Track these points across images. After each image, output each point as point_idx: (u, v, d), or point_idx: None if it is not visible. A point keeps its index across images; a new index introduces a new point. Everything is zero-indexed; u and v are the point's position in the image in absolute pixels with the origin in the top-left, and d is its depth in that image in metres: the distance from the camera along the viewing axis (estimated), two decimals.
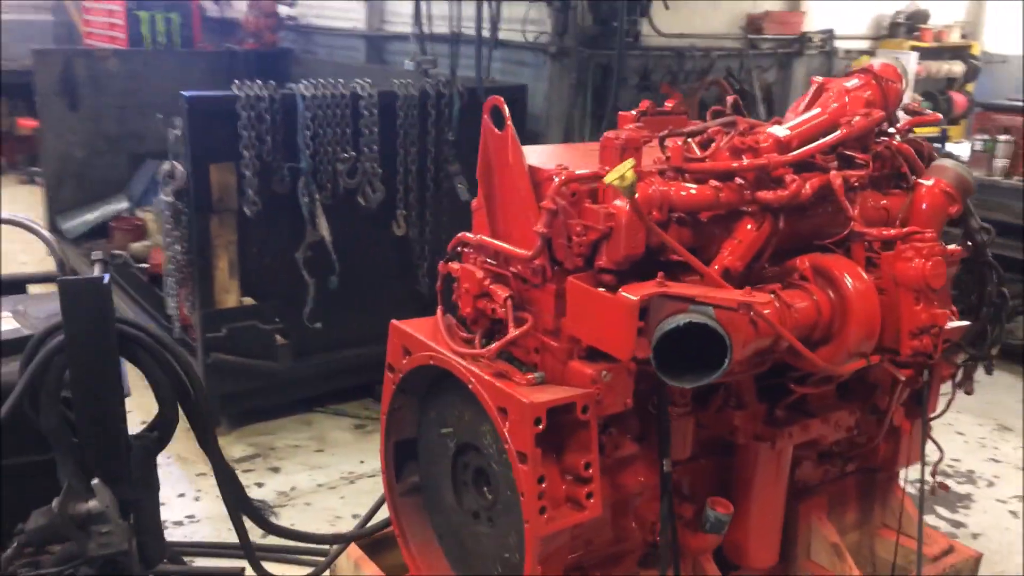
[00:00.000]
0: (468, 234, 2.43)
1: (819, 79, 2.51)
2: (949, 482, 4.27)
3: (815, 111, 2.36)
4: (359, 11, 6.56)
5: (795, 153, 2.19)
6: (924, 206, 2.28)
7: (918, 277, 2.14)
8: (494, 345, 2.20)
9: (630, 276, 2.08)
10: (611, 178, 1.78)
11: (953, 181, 2.25)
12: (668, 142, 2.17)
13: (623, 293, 1.97)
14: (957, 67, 6.86)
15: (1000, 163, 5.69)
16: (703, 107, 5.41)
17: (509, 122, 2.20)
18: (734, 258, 2.16)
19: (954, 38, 6.94)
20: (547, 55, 4.88)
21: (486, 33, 4.79)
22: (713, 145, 2.21)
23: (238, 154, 4.08)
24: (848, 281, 2.17)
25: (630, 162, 1.82)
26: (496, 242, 2.28)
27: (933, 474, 2.84)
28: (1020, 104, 5.79)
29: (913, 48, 6.51)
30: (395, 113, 4.45)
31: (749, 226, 2.19)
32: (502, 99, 2.24)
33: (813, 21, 6.02)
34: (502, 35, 4.91)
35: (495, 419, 2.13)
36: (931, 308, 2.17)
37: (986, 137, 5.76)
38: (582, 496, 2.12)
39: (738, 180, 2.18)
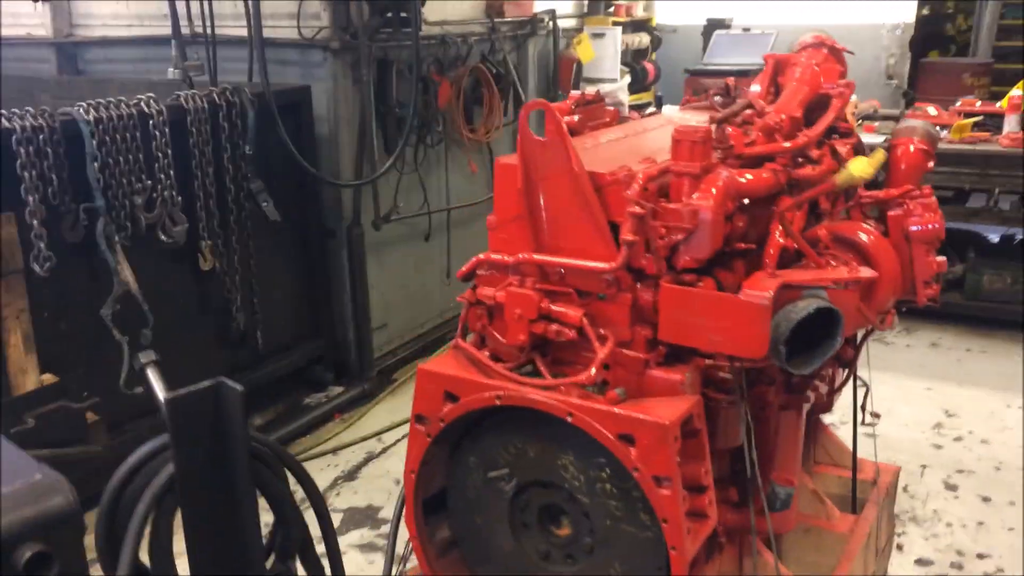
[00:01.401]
0: (492, 255, 2.19)
1: (768, 54, 2.61)
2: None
3: (797, 86, 2.45)
4: (40, 15, 5.54)
5: (818, 129, 2.26)
6: (903, 166, 2.47)
7: (929, 230, 2.33)
8: (591, 371, 2.02)
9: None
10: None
11: (926, 138, 2.47)
12: (725, 128, 2.12)
13: (751, 291, 1.90)
14: (645, 39, 7.50)
15: None
16: (464, 92, 5.38)
17: (564, 127, 2.00)
18: (795, 237, 2.18)
19: (639, 13, 7.59)
20: (328, 51, 4.50)
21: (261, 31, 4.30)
22: (753, 128, 2.20)
23: (19, 201, 3.27)
24: (872, 243, 2.30)
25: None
26: (558, 259, 2.08)
27: (863, 407, 3.13)
28: (726, 68, 6.49)
29: (615, 23, 7.02)
30: (187, 131, 3.84)
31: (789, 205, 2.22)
32: (547, 103, 2.03)
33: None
34: (266, 32, 4.44)
35: (614, 448, 1.96)
36: (936, 257, 2.37)
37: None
38: (704, 505, 2.04)
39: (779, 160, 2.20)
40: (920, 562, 3.54)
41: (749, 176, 2.11)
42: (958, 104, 6.35)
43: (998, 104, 6.32)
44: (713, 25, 7.29)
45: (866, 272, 2.01)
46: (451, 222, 5.62)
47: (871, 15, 7.19)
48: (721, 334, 1.95)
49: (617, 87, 6.81)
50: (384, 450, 4.42)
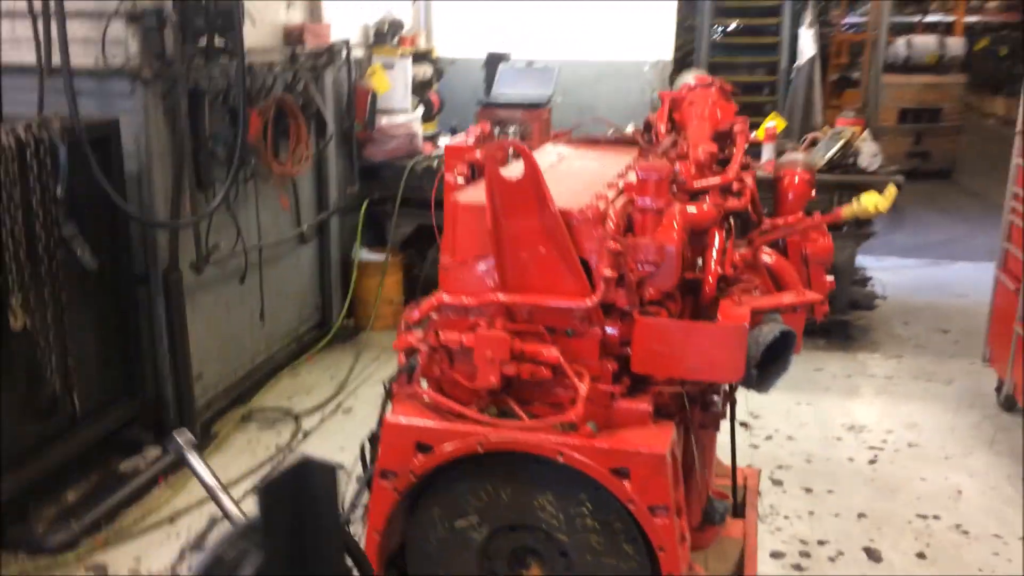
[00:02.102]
0: (450, 297, 2.13)
1: (663, 92, 2.76)
2: None
3: (700, 123, 2.61)
4: None
5: (737, 162, 2.42)
6: (790, 195, 2.70)
7: (824, 252, 2.57)
8: (578, 408, 2.01)
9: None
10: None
11: (808, 169, 2.71)
12: (680, 165, 2.21)
13: (728, 319, 2.00)
14: (429, 70, 7.56)
15: None
16: (270, 123, 5.15)
17: (538, 168, 2.00)
18: (726, 265, 2.31)
19: (421, 44, 7.63)
20: (138, 81, 4.12)
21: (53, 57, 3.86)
22: (686, 164, 2.31)
23: None
24: (780, 265, 2.49)
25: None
26: (533, 298, 2.06)
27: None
28: (517, 100, 6.70)
29: (403, 55, 7.02)
30: None
31: (718, 235, 2.36)
32: (519, 144, 2.01)
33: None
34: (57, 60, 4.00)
35: (608, 483, 1.97)
36: (828, 277, 2.62)
37: (498, 130, 6.55)
38: (685, 528, 2.10)
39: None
40: (775, 555, 3.85)
41: (694, 210, 2.22)
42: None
43: (753, 134, 7.06)
44: (495, 58, 7.51)
45: (812, 295, 2.19)
46: (263, 261, 5.34)
47: (634, 53, 7.76)
48: (699, 361, 2.03)
49: (411, 118, 6.82)
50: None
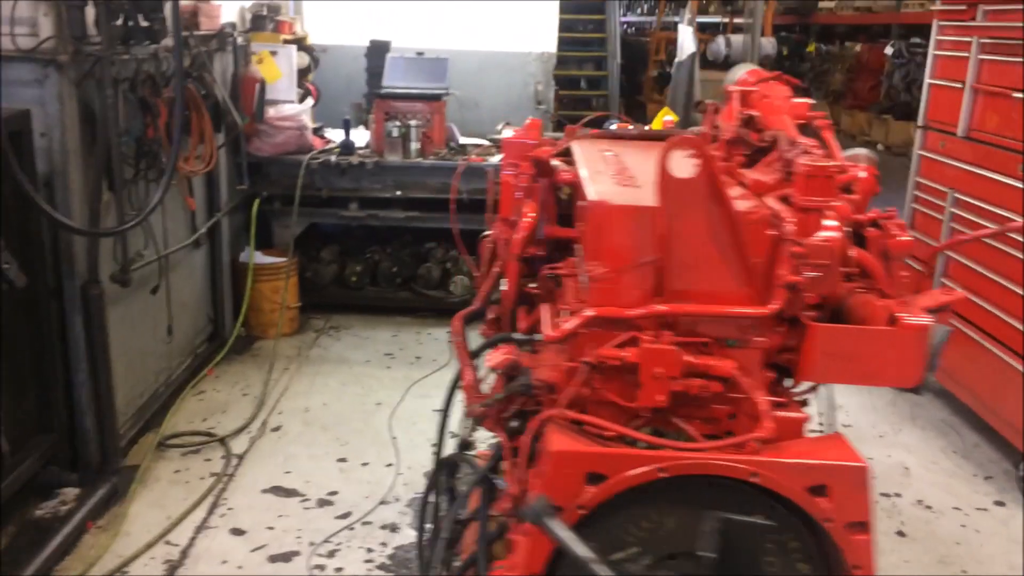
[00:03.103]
0: (607, 310, 1.93)
1: (730, 86, 2.66)
2: None
3: (780, 118, 2.52)
4: None
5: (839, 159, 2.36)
6: (858, 191, 2.67)
7: (907, 249, 2.56)
8: (767, 423, 1.87)
9: None
10: None
11: (872, 164, 2.69)
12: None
13: (910, 319, 1.92)
14: (305, 59, 7.07)
15: (415, 146, 6.26)
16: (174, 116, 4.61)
17: (713, 164, 1.83)
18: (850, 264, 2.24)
19: (298, 30, 7.12)
20: (52, 66, 3.52)
21: None
22: None
23: None
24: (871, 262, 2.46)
25: None
26: (708, 308, 1.89)
27: None
28: (417, 92, 6.41)
29: (286, 41, 6.51)
30: None
31: None
32: (699, 142, 1.84)
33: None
34: None
35: (803, 502, 1.85)
36: None
37: (398, 123, 6.24)
38: None
39: None
40: None
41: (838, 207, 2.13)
42: (614, 126, 7.04)
43: (647, 127, 7.14)
44: (379, 47, 7.14)
45: (957, 294, 2.16)
46: (168, 269, 4.78)
47: (518, 44, 7.64)
48: (877, 366, 1.94)
49: (300, 110, 6.36)
50: (185, 552, 3.61)
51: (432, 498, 2.80)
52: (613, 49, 13.37)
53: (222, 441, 4.55)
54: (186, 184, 5.04)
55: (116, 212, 3.91)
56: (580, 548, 1.60)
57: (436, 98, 6.45)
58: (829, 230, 1.96)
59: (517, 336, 2.51)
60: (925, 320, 1.92)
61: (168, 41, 4.45)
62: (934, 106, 5.27)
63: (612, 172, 2.31)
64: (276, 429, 4.75)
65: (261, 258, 6.08)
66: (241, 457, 4.44)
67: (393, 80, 6.62)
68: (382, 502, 4.05)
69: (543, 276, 2.47)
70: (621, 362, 1.90)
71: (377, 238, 6.83)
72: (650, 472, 1.85)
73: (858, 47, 19.15)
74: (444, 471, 2.69)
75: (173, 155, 3.89)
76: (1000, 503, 4.20)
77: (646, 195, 2.00)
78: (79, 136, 3.71)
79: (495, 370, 2.26)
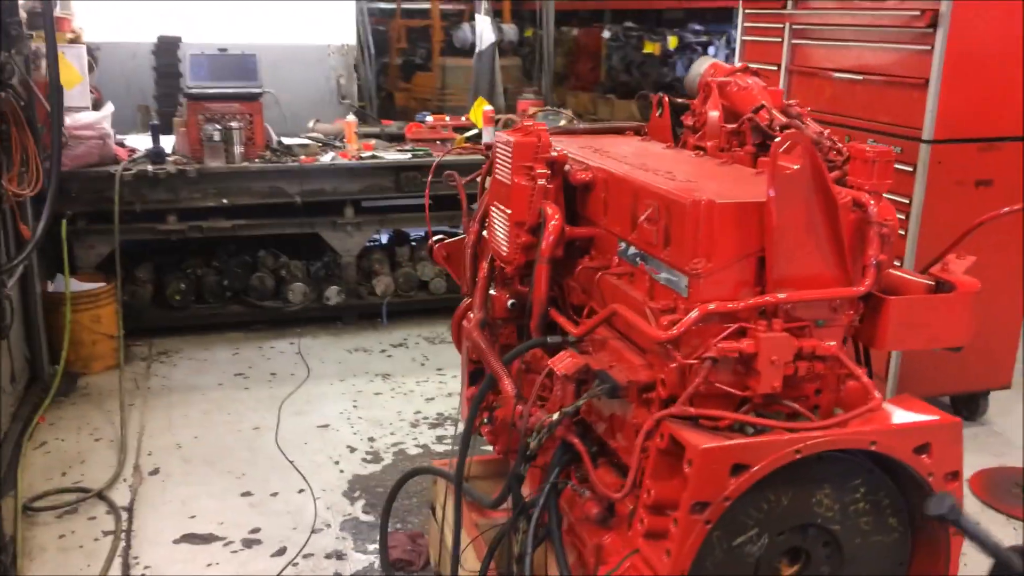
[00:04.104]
0: (716, 305, 1.97)
1: (709, 79, 2.78)
2: None
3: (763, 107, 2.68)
4: None
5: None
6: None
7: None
8: (873, 396, 2.01)
9: None
10: None
11: None
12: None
13: (967, 285, 2.14)
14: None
15: (239, 150, 5.85)
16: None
17: (816, 154, 1.94)
18: None
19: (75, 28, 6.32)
20: None
21: None
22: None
23: None
24: None
25: None
26: (807, 294, 1.99)
27: None
28: (233, 91, 5.97)
29: (73, 41, 5.76)
30: None
31: None
32: (804, 135, 1.92)
33: None
34: None
35: (912, 460, 2.02)
36: None
37: (219, 126, 5.80)
38: None
39: None
40: None
41: None
42: (429, 119, 7.00)
43: (464, 118, 7.18)
44: (168, 44, 6.53)
45: (972, 258, 2.42)
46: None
47: (316, 36, 7.33)
48: (940, 330, 2.15)
49: (100, 116, 5.71)
50: None
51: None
52: (365, 39, 13.21)
53: (100, 495, 4.04)
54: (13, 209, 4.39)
55: None
56: (993, 541, 1.65)
57: (253, 97, 6.06)
58: (891, 210, 2.13)
59: (551, 339, 2.49)
60: (973, 286, 2.15)
61: None
62: None
63: (657, 168, 2.35)
64: (155, 472, 4.30)
65: (76, 285, 5.42)
66: (130, 509, 3.97)
67: (199, 80, 6.12)
68: (314, 531, 3.82)
69: (582, 275, 2.46)
70: (739, 353, 1.96)
71: (197, 251, 6.32)
72: (788, 455, 1.93)
73: (575, 31, 20.32)
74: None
75: (54, 182, 3.37)
76: None
77: (730, 189, 2.07)
78: None
79: (566, 376, 2.23)
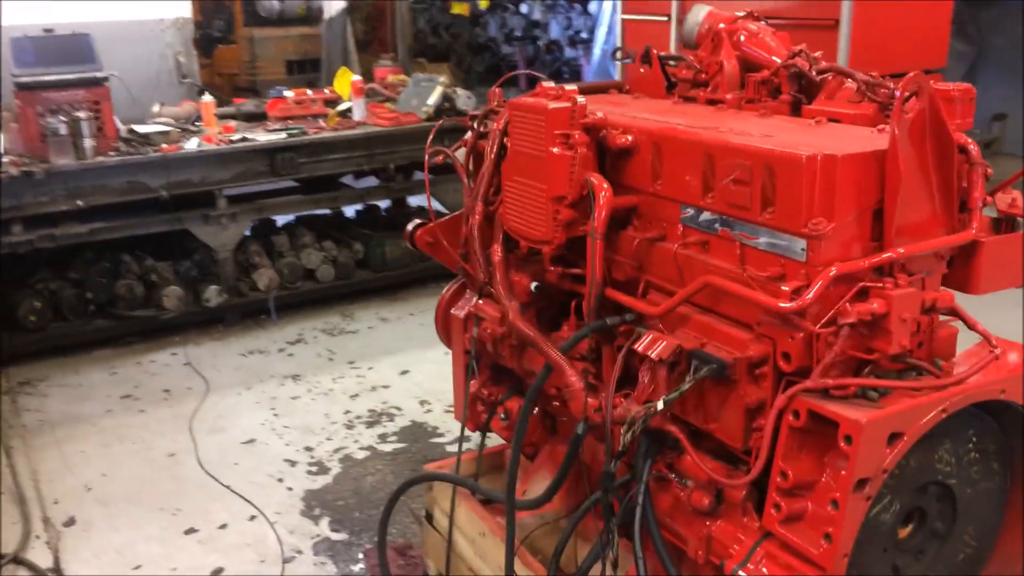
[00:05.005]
0: (845, 265, 1.84)
1: (717, 28, 2.61)
2: None
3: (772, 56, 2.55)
4: None
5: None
6: None
7: None
8: (995, 344, 1.95)
9: None
10: None
11: None
12: None
13: None
14: None
15: (89, 143, 5.15)
16: None
17: (936, 97, 1.83)
18: None
19: None
20: None
21: None
22: None
23: None
24: None
25: None
26: (927, 245, 1.90)
27: None
28: (74, 77, 5.23)
29: None
30: None
31: None
32: (926, 79, 1.80)
33: None
34: None
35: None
36: None
37: (63, 119, 5.08)
38: None
39: None
40: None
41: None
42: (289, 94, 6.48)
43: (327, 90, 6.70)
44: None
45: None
46: None
47: (147, 10, 6.56)
48: (1017, 269, 2.12)
49: None
50: None
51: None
52: None
53: (16, 560, 3.45)
54: None
55: None
56: None
57: (98, 83, 5.36)
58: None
59: (610, 320, 2.29)
60: None
61: None
62: (630, 41, 5.71)
63: (714, 125, 2.17)
64: (70, 523, 3.72)
65: None
66: (57, 570, 3.42)
67: (26, 67, 5.33)
68: (286, 560, 3.43)
69: (638, 248, 2.26)
70: (871, 316, 1.84)
71: (51, 262, 5.55)
72: (936, 416, 1.84)
73: None
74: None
75: None
76: None
77: (830, 142, 1.93)
78: None
79: (661, 360, 2.04)
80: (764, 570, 1.95)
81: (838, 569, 1.81)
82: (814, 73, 2.36)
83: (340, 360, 5.32)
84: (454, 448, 4.22)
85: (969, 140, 1.98)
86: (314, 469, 4.09)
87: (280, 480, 4.01)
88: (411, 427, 4.48)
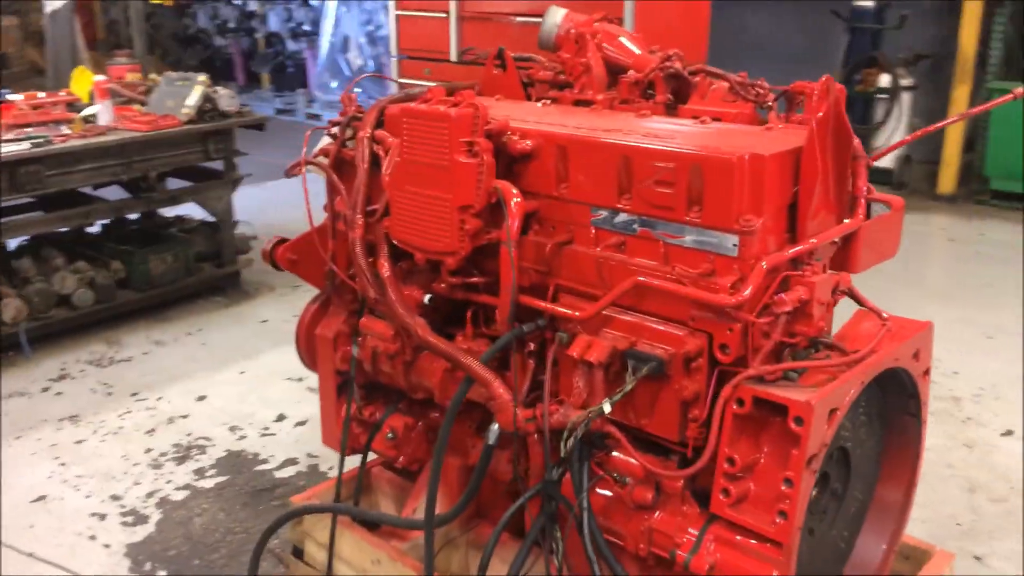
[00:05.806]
0: (773, 257, 1.96)
1: (577, 31, 2.65)
2: None
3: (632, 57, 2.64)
4: None
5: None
6: None
7: None
8: (883, 315, 2.16)
9: None
10: None
11: None
12: None
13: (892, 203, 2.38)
14: None
15: None
16: None
17: (841, 103, 1.99)
18: None
19: None
20: None
21: None
22: None
23: None
24: None
25: None
26: (840, 229, 2.06)
27: None
28: None
29: None
30: None
31: None
32: (834, 81, 1.94)
33: None
34: None
35: (911, 367, 2.23)
36: None
37: None
38: None
39: None
40: None
41: None
42: (18, 97, 5.69)
43: (63, 92, 5.96)
44: None
45: None
46: None
47: None
48: (888, 245, 2.37)
49: None
50: None
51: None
52: None
53: None
54: None
55: None
56: None
57: None
58: None
59: (526, 327, 2.26)
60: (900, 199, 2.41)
61: None
62: (406, 37, 5.65)
63: (608, 127, 2.21)
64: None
65: None
66: None
67: None
68: None
69: (547, 252, 2.24)
70: (799, 303, 1.97)
71: None
72: (858, 388, 2.00)
73: None
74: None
75: None
76: None
77: (747, 142, 2.04)
78: None
79: (599, 363, 2.05)
80: (718, 554, 2.03)
81: (795, 541, 1.93)
82: (687, 74, 2.47)
83: (121, 393, 4.81)
84: (282, 474, 4.04)
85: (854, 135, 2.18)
86: (130, 519, 3.67)
87: (92, 538, 3.55)
88: (228, 457, 4.15)
